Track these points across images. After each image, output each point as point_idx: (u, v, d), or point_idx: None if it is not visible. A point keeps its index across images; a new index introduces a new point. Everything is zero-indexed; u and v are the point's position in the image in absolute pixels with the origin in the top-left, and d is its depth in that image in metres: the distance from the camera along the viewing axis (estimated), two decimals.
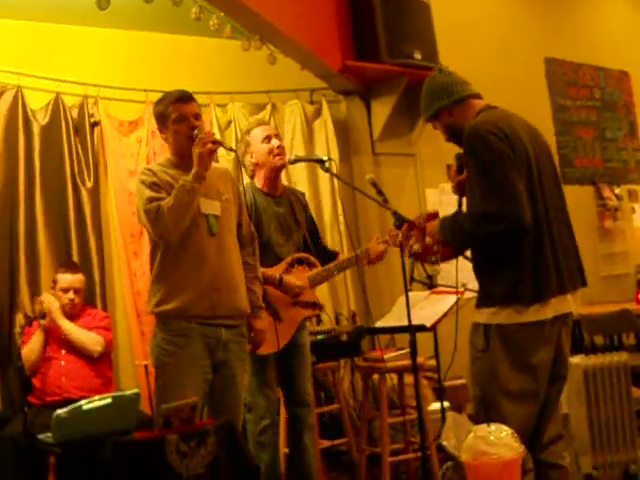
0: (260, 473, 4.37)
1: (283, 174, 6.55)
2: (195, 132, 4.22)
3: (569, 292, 3.74)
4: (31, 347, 5.55)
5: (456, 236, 3.74)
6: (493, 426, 1.87)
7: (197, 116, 4.30)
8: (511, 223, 3.52)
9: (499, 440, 1.84)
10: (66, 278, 5.65)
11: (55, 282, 5.69)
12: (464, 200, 3.94)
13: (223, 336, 4.30)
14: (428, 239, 3.90)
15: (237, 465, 3.64)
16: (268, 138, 5.18)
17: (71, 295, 5.62)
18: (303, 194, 5.59)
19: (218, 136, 6.18)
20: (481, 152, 3.62)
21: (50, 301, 5.55)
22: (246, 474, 3.68)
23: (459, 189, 4.02)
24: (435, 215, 4.00)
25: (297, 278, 5.17)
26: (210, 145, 4.11)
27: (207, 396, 4.25)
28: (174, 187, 4.18)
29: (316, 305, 5.27)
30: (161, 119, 4.34)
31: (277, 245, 5.17)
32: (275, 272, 5.09)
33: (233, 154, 6.87)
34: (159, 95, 4.54)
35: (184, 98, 4.30)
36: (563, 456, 3.80)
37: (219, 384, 4.32)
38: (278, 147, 5.18)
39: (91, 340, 5.66)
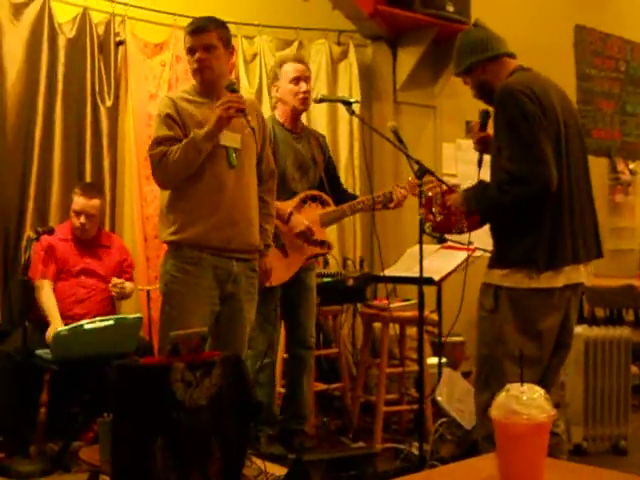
0: (262, 411, 4.37)
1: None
2: (226, 82, 4.23)
3: (583, 262, 3.72)
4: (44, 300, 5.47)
5: (483, 205, 3.72)
6: (526, 386, 1.83)
7: (208, 47, 4.23)
8: (539, 186, 3.50)
9: (532, 401, 1.81)
10: (79, 201, 5.56)
11: (71, 201, 5.63)
12: (485, 157, 3.91)
13: (234, 269, 4.28)
14: (451, 211, 3.88)
15: (239, 400, 3.60)
16: (297, 79, 5.15)
17: (83, 220, 5.53)
18: (323, 136, 5.58)
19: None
20: (512, 112, 3.59)
21: (128, 287, 5.65)
22: (247, 410, 3.65)
23: (481, 146, 4.00)
24: (452, 189, 3.98)
25: (308, 215, 5.16)
26: (232, 112, 4.07)
27: (212, 328, 4.22)
28: (193, 118, 4.18)
29: (324, 243, 5.24)
30: (186, 50, 4.34)
31: (292, 180, 5.15)
32: (286, 207, 5.06)
33: (255, 89, 6.84)
34: (187, 21, 4.54)
35: (194, 30, 4.26)
36: (558, 424, 3.78)
37: (226, 317, 4.30)
38: (304, 92, 5.14)
39: (129, 294, 5.74)
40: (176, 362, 3.51)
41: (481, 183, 3.78)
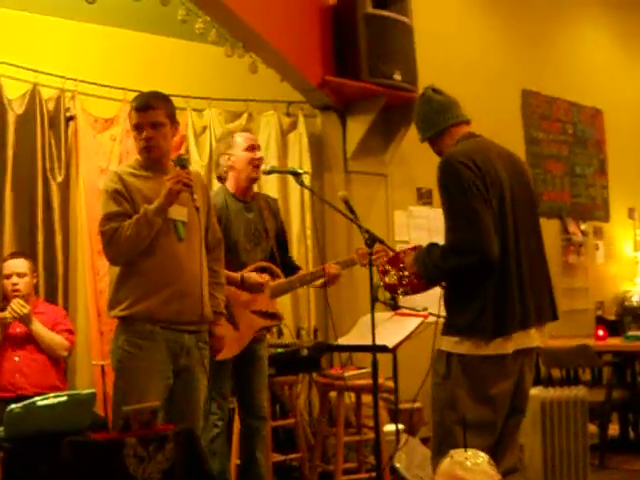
0: None
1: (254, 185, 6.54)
2: (177, 158, 4.30)
3: (534, 326, 3.75)
4: None
5: (427, 269, 3.77)
6: (470, 451, 1.85)
7: (155, 124, 4.23)
8: (478, 257, 3.55)
9: (476, 466, 1.82)
10: (8, 264, 5.61)
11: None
12: None
13: (186, 341, 4.27)
14: (405, 272, 3.92)
15: (193, 474, 3.60)
16: (252, 148, 5.17)
17: (15, 279, 5.54)
18: (275, 200, 5.58)
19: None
20: (450, 183, 3.66)
21: (20, 304, 5.49)
22: None
23: None
24: (416, 248, 4.02)
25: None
26: (181, 186, 4.11)
27: (166, 401, 4.21)
28: (140, 192, 4.19)
29: (275, 316, 5.23)
30: (130, 122, 4.36)
31: (244, 251, 5.14)
32: (236, 274, 5.06)
33: (206, 161, 6.89)
34: (136, 94, 4.53)
35: (141, 107, 4.25)
36: None
37: (180, 390, 4.28)
38: (259, 159, 5.17)
39: (58, 345, 5.61)
40: (128, 437, 3.51)
41: (429, 246, 3.82)
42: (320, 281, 5.31)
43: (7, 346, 5.53)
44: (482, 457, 1.85)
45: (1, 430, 5.00)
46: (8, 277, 5.58)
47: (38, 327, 5.55)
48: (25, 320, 5.51)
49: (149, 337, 4.16)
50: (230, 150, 5.19)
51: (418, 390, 4.50)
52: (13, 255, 5.71)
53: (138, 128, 4.25)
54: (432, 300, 4.10)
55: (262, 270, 5.18)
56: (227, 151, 5.21)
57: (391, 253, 4.19)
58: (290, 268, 5.43)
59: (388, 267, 4.03)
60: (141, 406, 3.66)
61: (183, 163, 4.25)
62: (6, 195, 6.04)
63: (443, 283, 3.85)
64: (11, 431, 4.96)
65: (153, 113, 4.24)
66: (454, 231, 3.59)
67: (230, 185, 5.22)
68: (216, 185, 6.64)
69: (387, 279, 4.02)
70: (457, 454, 1.86)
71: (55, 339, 5.60)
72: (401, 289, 4.00)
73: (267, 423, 5.35)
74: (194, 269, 4.27)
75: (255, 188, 5.56)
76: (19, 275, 5.58)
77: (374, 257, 4.24)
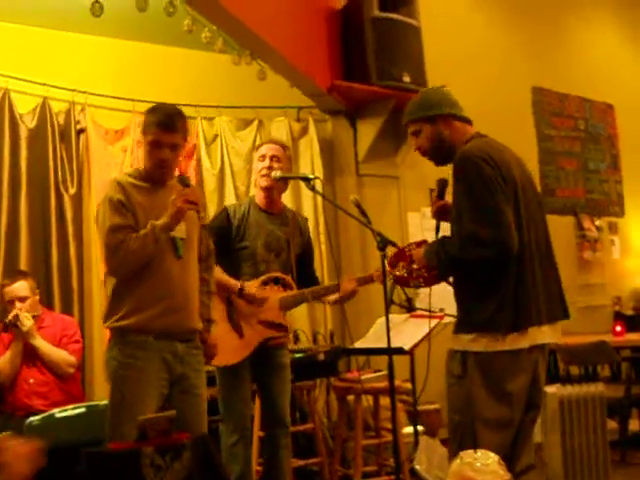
0: None
1: None
2: (181, 177, 4.27)
3: (546, 324, 3.74)
4: (5, 359, 5.51)
5: (442, 261, 3.74)
6: (479, 452, 1.85)
7: (174, 146, 4.22)
8: (500, 249, 3.53)
9: (486, 467, 1.82)
10: (6, 291, 5.58)
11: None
12: (442, 225, 3.96)
13: (179, 350, 4.27)
14: (414, 265, 3.92)
15: None
16: (262, 157, 5.17)
17: (18, 305, 5.53)
18: (306, 219, 5.56)
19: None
20: (473, 178, 3.62)
21: (25, 318, 5.49)
22: None
23: (438, 214, 4.04)
24: (422, 243, 4.01)
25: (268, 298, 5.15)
26: (188, 205, 4.10)
27: (160, 410, 4.19)
28: (140, 205, 4.17)
29: (281, 327, 5.21)
30: (143, 130, 4.28)
31: (262, 261, 5.13)
32: (237, 283, 5.06)
33: (218, 169, 6.92)
34: (146, 106, 4.50)
35: (165, 126, 4.18)
36: None
37: (179, 398, 4.26)
38: (267, 168, 5.17)
39: (64, 361, 5.59)
40: (145, 447, 3.52)
41: (443, 238, 3.81)
42: (334, 296, 5.28)
43: (23, 362, 5.55)
44: (492, 457, 1.85)
45: None
46: (11, 303, 5.55)
47: (40, 343, 5.54)
48: (27, 335, 5.50)
49: (142, 347, 4.15)
50: (254, 164, 5.29)
51: (421, 390, 4.50)
52: (9, 279, 5.66)
53: (157, 145, 4.18)
54: (448, 301, 4.10)
55: (275, 281, 5.18)
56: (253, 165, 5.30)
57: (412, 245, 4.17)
58: (313, 284, 5.42)
59: (395, 262, 4.03)
60: (158, 415, 3.67)
61: (187, 182, 4.22)
62: (21, 208, 6.09)
63: (451, 279, 3.85)
64: None
65: (176, 135, 4.20)
66: (476, 223, 3.55)
67: (256, 196, 5.26)
68: (229, 193, 6.70)
69: (397, 272, 4.02)
70: (466, 455, 1.86)
71: (59, 356, 5.58)
72: (413, 282, 3.99)
73: (289, 432, 5.34)
74: (187, 285, 4.28)
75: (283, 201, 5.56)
76: (20, 300, 5.55)
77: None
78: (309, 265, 5.47)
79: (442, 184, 4.05)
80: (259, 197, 5.22)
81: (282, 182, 5.19)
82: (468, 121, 3.95)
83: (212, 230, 5.05)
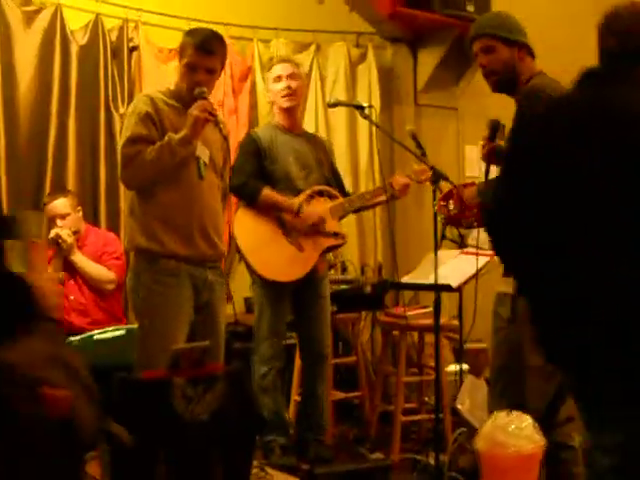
0: (265, 424, 4.30)
1: (322, 117, 6.48)
2: (197, 91, 4.16)
3: None
4: (48, 276, 5.47)
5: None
6: (514, 414, 1.72)
7: (211, 70, 4.20)
8: None
9: (519, 431, 1.69)
10: (49, 209, 5.55)
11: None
12: (492, 169, 3.82)
13: (209, 276, 4.27)
14: (465, 205, 3.80)
15: (242, 414, 3.53)
16: (279, 78, 5.16)
17: (59, 223, 5.50)
18: (327, 140, 5.55)
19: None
20: None
21: (66, 235, 5.45)
22: (251, 424, 3.58)
23: (489, 157, 3.89)
24: (471, 184, 3.90)
25: (318, 209, 5.11)
26: (207, 114, 4.07)
27: (188, 338, 4.15)
28: (170, 120, 4.14)
29: (338, 235, 5.18)
30: (181, 51, 4.26)
31: (297, 178, 5.13)
32: (296, 201, 5.01)
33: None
34: (203, 25, 4.44)
35: (203, 48, 4.16)
36: (573, 437, 3.68)
37: (202, 325, 4.26)
38: (284, 88, 5.10)
39: (103, 276, 5.57)
40: (177, 377, 3.46)
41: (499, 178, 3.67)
42: (384, 196, 5.20)
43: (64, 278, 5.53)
44: (527, 420, 1.72)
45: None
46: (52, 221, 5.51)
47: (79, 259, 5.52)
48: (66, 251, 5.49)
49: (175, 273, 4.14)
50: (267, 85, 5.27)
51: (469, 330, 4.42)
52: (49, 198, 5.63)
53: (192, 68, 4.17)
54: None
55: (319, 194, 5.14)
56: (268, 87, 5.24)
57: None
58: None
59: (446, 200, 3.92)
60: (192, 345, 3.62)
61: (204, 95, 4.15)
62: (69, 127, 6.01)
63: None
64: None
65: (213, 58, 4.19)
66: None
67: (277, 118, 5.27)
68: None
69: (450, 209, 3.90)
70: (500, 417, 1.73)
71: (97, 272, 5.56)
72: (465, 222, 3.88)
73: (329, 362, 5.30)
74: (213, 208, 4.28)
75: (323, 124, 5.48)
76: (62, 217, 5.53)
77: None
78: (341, 186, 5.41)
79: (494, 126, 3.91)
80: (281, 118, 5.19)
81: (300, 100, 5.31)
82: (534, 57, 3.79)
83: (245, 154, 5.02)
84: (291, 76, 5.15)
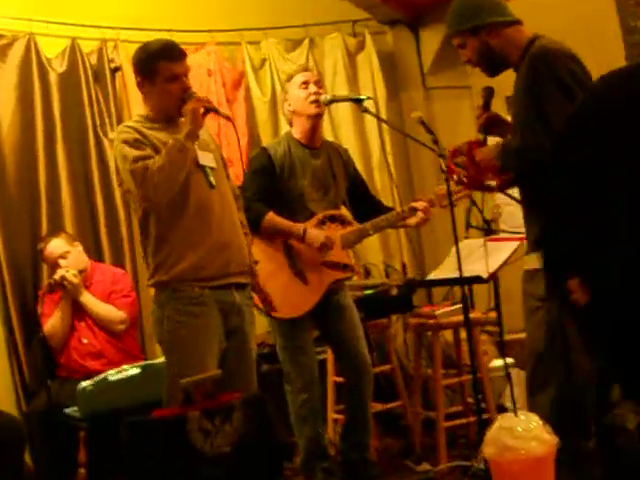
0: (291, 452, 4.28)
1: (324, 116, 6.44)
2: (186, 94, 4.16)
3: None
4: (54, 322, 5.51)
5: (524, 163, 3.53)
6: (522, 415, 1.69)
7: (187, 73, 4.22)
8: None
9: (527, 432, 1.66)
10: (45, 256, 5.61)
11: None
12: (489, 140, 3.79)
13: (237, 299, 4.23)
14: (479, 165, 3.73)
15: (264, 443, 3.53)
16: (306, 84, 5.10)
17: (62, 263, 5.52)
18: (346, 150, 5.50)
19: None
20: (562, 74, 3.45)
21: (71, 276, 5.46)
22: (275, 452, 3.57)
23: (485, 127, 3.85)
24: (482, 142, 3.82)
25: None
26: (204, 103, 4.10)
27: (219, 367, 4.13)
28: (158, 139, 4.11)
29: (347, 267, 5.11)
30: (148, 72, 4.19)
31: (311, 201, 5.07)
32: (300, 225, 4.96)
33: (269, 97, 6.79)
34: (185, 35, 4.46)
35: (177, 56, 4.19)
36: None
37: (233, 353, 4.22)
38: (314, 93, 5.06)
39: (113, 317, 5.58)
40: (191, 411, 3.45)
41: (522, 139, 3.61)
42: (413, 220, 5.16)
43: (73, 325, 5.56)
44: (535, 421, 1.68)
45: (76, 410, 5.06)
46: (55, 265, 5.54)
47: (87, 299, 5.55)
48: (73, 292, 5.51)
49: (200, 302, 4.09)
50: (288, 95, 5.18)
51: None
52: (44, 242, 5.65)
53: (172, 79, 4.15)
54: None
55: (332, 219, 5.08)
56: (286, 97, 5.20)
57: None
58: (379, 209, 5.30)
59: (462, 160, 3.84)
60: (202, 376, 3.60)
61: (193, 95, 4.16)
62: (59, 158, 6.04)
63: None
64: (86, 410, 5.02)
65: (185, 62, 4.22)
66: None
67: (296, 131, 5.18)
68: (284, 121, 6.58)
69: (471, 171, 3.82)
70: (505, 419, 1.70)
71: (107, 312, 5.58)
72: (486, 184, 3.81)
73: (371, 377, 5.24)
74: (230, 217, 4.25)
75: (327, 122, 5.45)
76: (62, 257, 5.55)
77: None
78: (365, 194, 5.38)
79: (488, 93, 3.89)
80: (302, 130, 5.14)
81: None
82: (516, 22, 3.74)
83: (255, 173, 4.98)
84: (317, 83, 5.13)
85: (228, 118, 4.39)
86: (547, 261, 3.47)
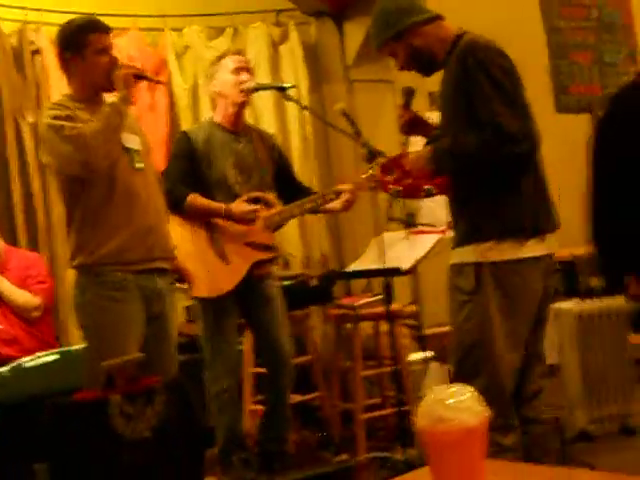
0: (211, 438, 4.30)
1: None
2: (118, 64, 4.18)
3: (554, 231, 3.67)
4: None
5: (460, 164, 3.60)
6: (455, 387, 1.74)
7: (112, 48, 4.24)
8: (530, 144, 3.44)
9: (460, 403, 1.70)
10: None
11: None
12: (411, 140, 3.85)
13: (158, 284, 4.24)
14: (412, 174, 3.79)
15: (187, 428, 3.55)
16: (238, 70, 5.07)
17: None
18: (272, 136, 5.51)
19: None
20: (491, 67, 3.48)
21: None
22: (196, 438, 3.59)
23: (407, 128, 3.91)
24: (404, 155, 3.87)
25: None
26: (134, 70, 4.15)
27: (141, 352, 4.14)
28: (88, 120, 4.07)
29: (271, 248, 5.15)
30: (76, 46, 4.16)
31: (235, 183, 5.07)
32: (220, 204, 4.97)
33: (190, 84, 6.79)
34: (108, 20, 4.44)
35: (105, 28, 4.21)
36: (543, 410, 3.73)
37: (154, 338, 4.22)
38: (245, 82, 5.07)
39: (27, 304, 5.49)
40: (112, 394, 3.46)
41: (455, 140, 3.66)
42: (335, 204, 5.19)
43: None
44: (469, 392, 1.73)
45: None
46: None
47: (3, 285, 5.47)
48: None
49: (122, 287, 4.09)
50: (217, 75, 5.13)
51: None
52: None
53: (100, 52, 4.14)
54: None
55: (255, 200, 5.09)
56: (214, 77, 5.14)
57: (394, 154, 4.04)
58: (301, 193, 5.32)
59: (394, 175, 3.90)
60: (123, 359, 3.61)
61: (122, 65, 4.22)
62: None
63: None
64: (1, 397, 4.96)
65: (110, 35, 4.24)
66: (505, 117, 3.42)
67: (218, 114, 5.17)
68: (205, 108, 6.56)
69: (405, 182, 3.87)
70: (438, 391, 1.75)
71: (22, 298, 5.49)
72: (424, 190, 3.87)
73: (292, 369, 5.26)
74: (154, 200, 4.26)
75: (248, 110, 5.46)
76: None
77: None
78: (291, 179, 5.41)
79: (408, 93, 3.93)
80: (225, 114, 5.13)
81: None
82: (438, 18, 3.80)
83: (176, 157, 4.99)
84: (249, 71, 5.15)
85: (159, 82, 4.41)
86: (602, 260, 3.57)
